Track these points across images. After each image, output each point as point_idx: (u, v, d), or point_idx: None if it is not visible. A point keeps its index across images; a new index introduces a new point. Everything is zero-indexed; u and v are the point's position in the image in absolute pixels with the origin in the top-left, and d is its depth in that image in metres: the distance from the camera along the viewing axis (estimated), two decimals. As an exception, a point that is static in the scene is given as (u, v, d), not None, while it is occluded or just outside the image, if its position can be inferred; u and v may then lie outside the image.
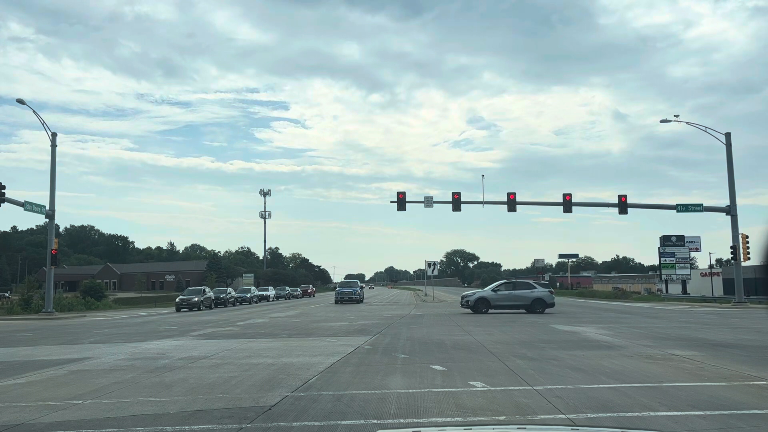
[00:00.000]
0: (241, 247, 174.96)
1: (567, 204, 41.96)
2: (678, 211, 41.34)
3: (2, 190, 31.58)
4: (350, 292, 49.16)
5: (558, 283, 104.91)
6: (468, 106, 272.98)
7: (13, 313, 36.89)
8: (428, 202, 43.25)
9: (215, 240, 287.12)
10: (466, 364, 11.74)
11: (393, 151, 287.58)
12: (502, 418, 7.21)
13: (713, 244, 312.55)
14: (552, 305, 31.07)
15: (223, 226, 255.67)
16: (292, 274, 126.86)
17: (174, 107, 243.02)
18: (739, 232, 39.22)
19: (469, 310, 30.77)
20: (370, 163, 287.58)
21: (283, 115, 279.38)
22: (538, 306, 30.18)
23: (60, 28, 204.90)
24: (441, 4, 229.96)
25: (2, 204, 31.88)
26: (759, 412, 7.48)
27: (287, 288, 77.15)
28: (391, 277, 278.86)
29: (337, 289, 52.69)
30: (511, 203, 41.92)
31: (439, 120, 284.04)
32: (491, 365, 11.62)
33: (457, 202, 42.61)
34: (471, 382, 9.58)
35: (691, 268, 61.67)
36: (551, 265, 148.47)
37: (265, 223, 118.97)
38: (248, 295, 55.50)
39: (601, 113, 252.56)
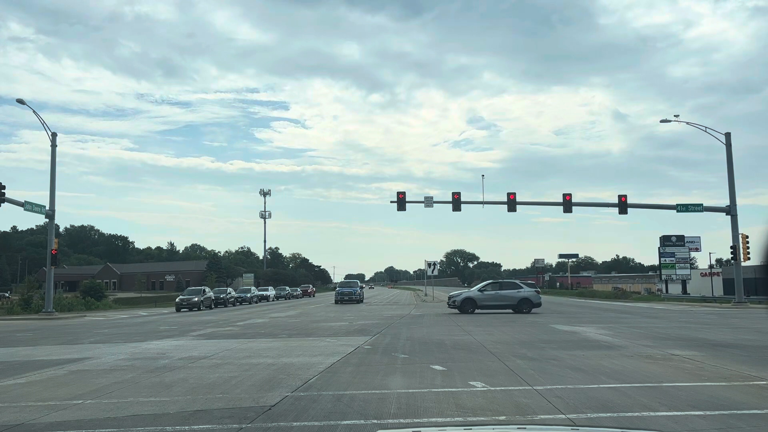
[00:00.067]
0: (241, 247, 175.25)
1: (567, 204, 41.96)
2: (678, 211, 41.35)
3: (2, 190, 31.58)
4: (350, 292, 49.15)
5: (558, 283, 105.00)
6: (468, 106, 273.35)
7: (13, 313, 36.89)
8: (428, 202, 43.25)
9: (215, 240, 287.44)
10: (466, 364, 11.74)
11: (393, 151, 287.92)
12: (502, 418, 7.21)
13: (713, 244, 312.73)
14: (538, 305, 31.08)
15: (223, 226, 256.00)
16: (292, 274, 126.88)
17: (174, 107, 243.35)
18: (739, 232, 39.24)
19: (456, 311, 30.78)
20: (370, 163, 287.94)
21: (283, 115, 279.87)
22: (524, 306, 30.19)
23: (60, 28, 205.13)
24: (441, 4, 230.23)
25: (2, 204, 31.89)
26: (759, 412, 7.48)
27: (287, 288, 77.16)
28: (391, 277, 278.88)
29: (337, 289, 52.68)
30: (511, 203, 41.92)
31: (439, 120, 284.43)
32: (491, 365, 11.62)
33: (457, 202, 42.61)
34: (471, 382, 9.58)
35: (691, 268, 61.68)
36: (551, 265, 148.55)
37: (265, 223, 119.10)
38: (248, 295, 55.50)
39: (601, 113, 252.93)
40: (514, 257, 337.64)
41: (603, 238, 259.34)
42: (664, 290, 61.72)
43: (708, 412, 7.33)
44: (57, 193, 37.61)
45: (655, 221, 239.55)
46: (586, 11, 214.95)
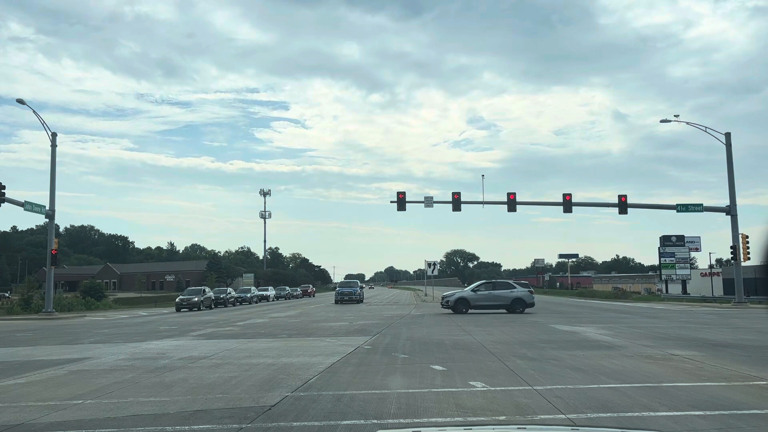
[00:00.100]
0: (241, 247, 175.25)
1: (567, 204, 41.96)
2: (678, 211, 41.34)
3: (2, 190, 31.59)
4: (350, 292, 49.14)
5: (558, 283, 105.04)
6: (468, 106, 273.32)
7: (13, 313, 36.89)
8: (428, 202, 43.25)
9: (215, 240, 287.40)
10: (466, 364, 11.74)
11: (393, 151, 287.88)
12: (502, 418, 7.21)
13: (713, 244, 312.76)
14: (532, 305, 31.10)
15: (223, 226, 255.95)
16: (292, 274, 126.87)
17: (174, 107, 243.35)
18: (739, 232, 39.24)
19: (450, 311, 30.74)
20: (370, 163, 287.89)
21: (283, 115, 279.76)
22: (517, 306, 30.20)
23: (60, 28, 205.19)
24: (441, 4, 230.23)
25: (2, 204, 31.89)
26: (759, 412, 7.48)
27: (287, 288, 77.14)
28: (391, 277, 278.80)
29: (337, 289, 52.67)
30: (511, 203, 41.93)
31: (439, 120, 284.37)
32: (491, 365, 11.62)
33: (457, 202, 42.61)
34: (471, 382, 9.58)
35: (691, 268, 61.68)
36: (551, 265, 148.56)
37: (265, 223, 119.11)
38: (248, 295, 55.49)
39: (601, 113, 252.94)
40: (514, 257, 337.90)
41: (603, 238, 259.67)
42: (664, 290, 61.73)
43: (708, 412, 7.33)
44: (57, 193, 37.68)
45: (655, 221, 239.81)
46: (586, 11, 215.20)
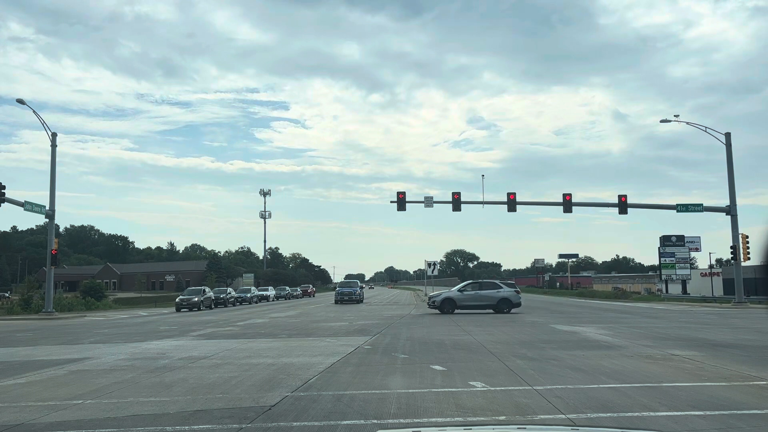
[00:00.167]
0: (241, 247, 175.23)
1: (567, 204, 41.96)
2: (678, 211, 41.34)
3: (2, 190, 31.59)
4: (350, 292, 49.13)
5: (558, 283, 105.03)
6: (468, 106, 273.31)
7: (13, 313, 36.89)
8: (428, 202, 43.25)
9: (215, 240, 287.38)
10: (466, 364, 11.74)
11: (393, 151, 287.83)
12: (502, 418, 7.21)
13: (713, 244, 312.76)
14: (518, 305, 31.08)
15: (223, 226, 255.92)
16: (292, 274, 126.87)
17: (174, 107, 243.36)
18: (739, 232, 39.23)
19: (437, 311, 30.69)
20: (370, 163, 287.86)
21: (283, 115, 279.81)
22: (504, 306, 30.17)
23: (60, 28, 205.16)
24: (441, 4, 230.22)
25: (2, 204, 31.89)
26: (759, 412, 7.47)
27: (287, 288, 77.14)
28: (391, 277, 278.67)
29: (337, 289, 52.66)
30: (511, 203, 41.92)
31: (439, 120, 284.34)
32: (491, 365, 11.62)
33: (457, 202, 42.61)
34: (471, 382, 9.58)
35: (691, 268, 61.68)
36: (551, 265, 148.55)
37: (265, 223, 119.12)
38: (248, 295, 55.49)
39: (601, 113, 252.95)
40: (514, 257, 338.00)
41: (603, 238, 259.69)
42: (664, 290, 61.72)
43: (708, 412, 7.33)
44: (57, 193, 37.68)
45: (655, 221, 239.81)
46: (586, 11, 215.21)
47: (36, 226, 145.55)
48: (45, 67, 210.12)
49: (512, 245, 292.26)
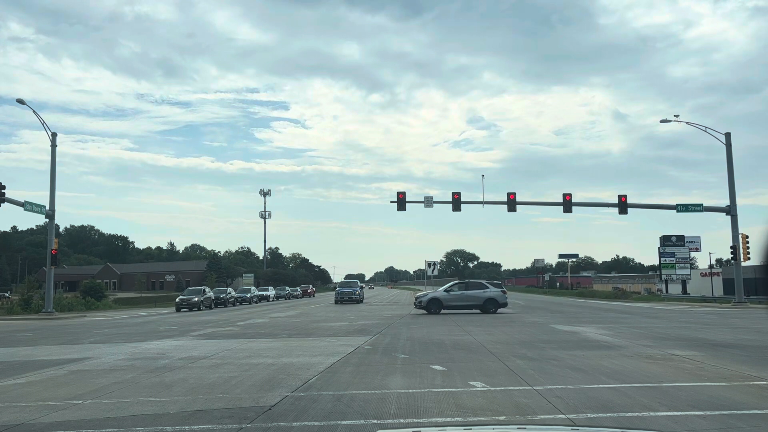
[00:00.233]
0: (241, 247, 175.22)
1: (567, 204, 41.96)
2: (678, 211, 41.35)
3: (2, 190, 31.59)
4: (350, 292, 49.13)
5: (558, 283, 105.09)
6: (468, 106, 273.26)
7: (13, 313, 36.89)
8: (428, 202, 43.25)
9: (215, 240, 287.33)
10: (466, 364, 11.74)
11: (393, 151, 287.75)
12: (502, 418, 7.21)
13: (713, 244, 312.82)
14: (504, 305, 31.07)
15: (223, 226, 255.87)
16: (292, 274, 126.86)
17: (174, 107, 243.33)
18: (739, 232, 39.24)
19: (424, 311, 30.59)
20: (370, 163, 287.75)
21: (283, 115, 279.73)
22: (490, 306, 30.15)
23: (60, 28, 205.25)
24: (441, 4, 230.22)
25: (2, 204, 31.89)
26: (759, 412, 7.47)
27: (287, 288, 77.14)
28: (391, 277, 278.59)
29: (337, 289, 52.65)
30: (511, 203, 41.92)
31: (439, 120, 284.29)
32: (491, 365, 11.62)
33: (457, 202, 42.61)
34: (471, 382, 9.58)
35: (691, 268, 61.66)
36: (551, 265, 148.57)
37: (265, 223, 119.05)
38: (248, 295, 55.50)
39: (601, 113, 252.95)
40: (514, 257, 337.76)
41: (603, 238, 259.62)
42: (664, 290, 61.71)
43: (708, 412, 7.33)
44: (57, 193, 37.69)
45: (655, 221, 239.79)
46: (586, 11, 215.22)
47: (36, 226, 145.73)
48: (45, 67, 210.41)
49: (512, 245, 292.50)
